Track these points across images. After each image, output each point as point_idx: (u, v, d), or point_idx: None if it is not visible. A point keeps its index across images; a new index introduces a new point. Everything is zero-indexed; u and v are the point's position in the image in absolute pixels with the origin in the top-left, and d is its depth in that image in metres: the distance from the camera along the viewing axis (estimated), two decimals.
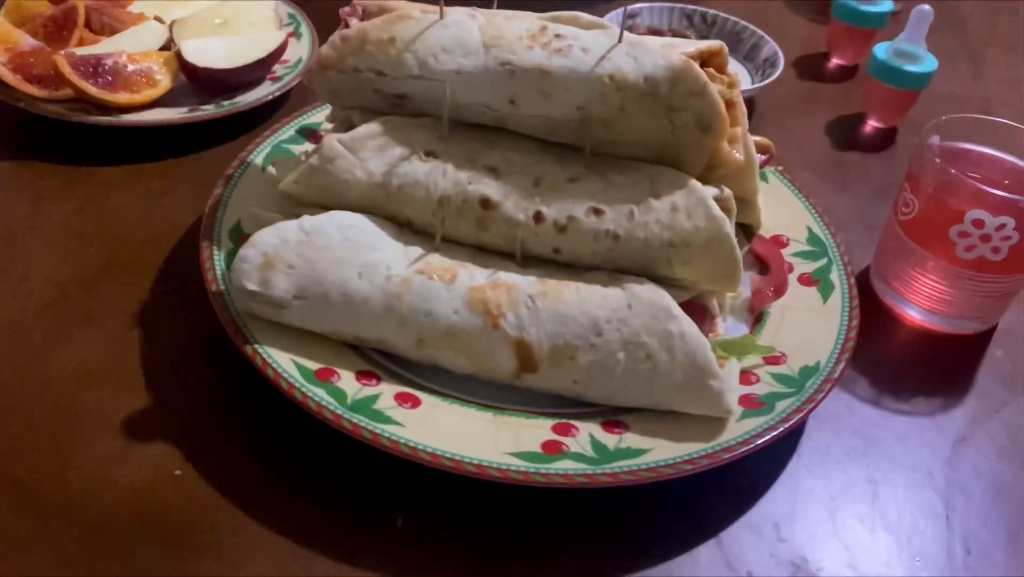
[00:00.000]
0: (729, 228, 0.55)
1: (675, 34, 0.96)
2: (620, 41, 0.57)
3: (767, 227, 0.70)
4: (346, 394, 0.52)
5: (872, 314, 0.69)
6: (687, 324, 0.53)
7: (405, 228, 0.58)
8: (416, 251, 0.57)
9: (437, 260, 0.56)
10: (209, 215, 0.62)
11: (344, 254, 0.55)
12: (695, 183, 0.56)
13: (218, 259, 0.59)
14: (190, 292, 0.62)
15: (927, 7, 0.87)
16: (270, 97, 0.80)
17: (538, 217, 0.56)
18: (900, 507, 0.56)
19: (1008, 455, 0.60)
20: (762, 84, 0.91)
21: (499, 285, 0.55)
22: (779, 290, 0.64)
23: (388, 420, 0.51)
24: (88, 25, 0.82)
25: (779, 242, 0.69)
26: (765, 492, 0.56)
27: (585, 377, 0.54)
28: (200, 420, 0.56)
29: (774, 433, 0.53)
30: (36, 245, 0.67)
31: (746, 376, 0.58)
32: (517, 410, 0.54)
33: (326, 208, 0.58)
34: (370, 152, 0.58)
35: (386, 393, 0.54)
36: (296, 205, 0.60)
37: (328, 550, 0.50)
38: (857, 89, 0.97)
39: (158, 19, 0.83)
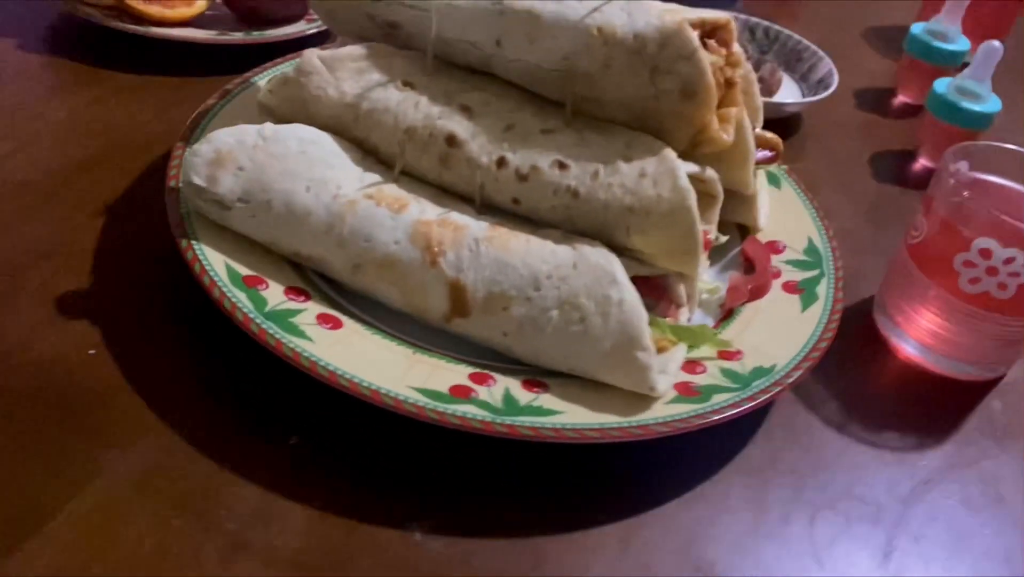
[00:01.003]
0: (692, 202, 0.52)
1: None
2: None
3: (768, 232, 0.66)
4: (266, 302, 0.51)
5: (865, 343, 0.65)
6: (629, 293, 0.50)
7: (370, 156, 0.57)
8: (374, 178, 0.55)
9: (391, 189, 0.55)
10: (194, 120, 0.62)
11: (297, 166, 0.54)
12: (670, 152, 0.53)
13: None
14: (161, 193, 0.62)
15: (996, 43, 0.81)
16: (301, 34, 0.80)
17: (501, 162, 0.54)
18: (836, 535, 0.51)
19: (974, 505, 0.54)
20: (808, 100, 0.87)
21: (448, 224, 0.53)
22: (756, 292, 0.60)
23: (300, 334, 0.50)
24: None
25: (773, 247, 0.65)
26: (690, 490, 0.52)
27: (515, 330, 0.51)
28: (131, 308, 0.56)
29: (700, 422, 0.49)
30: (36, 128, 0.69)
31: (692, 365, 0.54)
32: (440, 353, 0.52)
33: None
34: (348, 73, 0.57)
35: (310, 311, 0.52)
36: (273, 119, 0.59)
37: (213, 452, 0.48)
38: (917, 128, 0.92)
39: None
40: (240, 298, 0.51)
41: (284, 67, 0.70)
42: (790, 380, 0.53)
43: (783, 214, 0.68)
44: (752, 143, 0.59)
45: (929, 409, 0.61)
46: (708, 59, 0.53)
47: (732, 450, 0.54)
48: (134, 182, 0.65)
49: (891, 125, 0.94)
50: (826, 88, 0.89)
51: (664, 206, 0.52)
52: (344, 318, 0.52)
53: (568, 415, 0.49)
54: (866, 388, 0.62)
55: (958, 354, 0.62)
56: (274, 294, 0.52)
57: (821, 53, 0.93)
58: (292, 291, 0.53)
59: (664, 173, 0.52)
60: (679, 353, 0.54)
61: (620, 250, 0.54)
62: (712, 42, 0.55)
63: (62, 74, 0.75)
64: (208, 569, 0.43)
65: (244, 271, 0.53)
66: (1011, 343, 0.62)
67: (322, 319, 0.52)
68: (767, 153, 0.64)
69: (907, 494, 0.54)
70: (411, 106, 0.56)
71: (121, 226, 0.61)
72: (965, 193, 0.58)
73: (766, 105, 0.84)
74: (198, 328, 0.54)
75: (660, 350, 0.53)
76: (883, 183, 0.84)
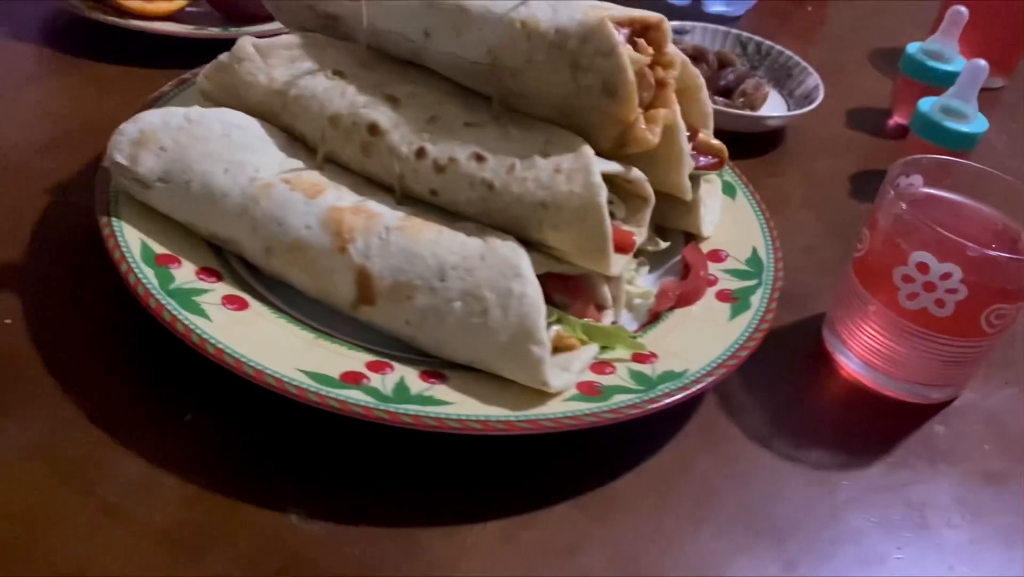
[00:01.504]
0: (602, 199, 0.51)
1: (720, 57, 0.91)
2: None
3: (714, 240, 0.65)
4: (173, 280, 0.52)
5: (812, 359, 0.63)
6: (532, 287, 0.49)
7: (298, 143, 0.57)
8: (296, 164, 0.56)
9: (311, 176, 0.55)
10: (144, 105, 0.63)
11: (218, 148, 0.54)
12: (587, 149, 0.53)
13: None
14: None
15: (982, 62, 0.79)
16: (279, 31, 0.81)
17: (420, 153, 0.54)
18: (738, 550, 0.49)
19: (892, 528, 0.52)
20: (788, 114, 0.85)
21: (361, 211, 0.53)
22: (684, 298, 0.59)
23: (200, 313, 0.50)
24: None
25: (716, 256, 0.63)
26: (586, 492, 0.50)
27: (419, 320, 0.51)
28: (56, 282, 0.57)
29: (592, 420, 0.48)
30: (2, 108, 0.71)
31: (603, 366, 0.53)
32: (345, 340, 0.52)
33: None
34: (280, 60, 0.58)
35: (217, 291, 0.52)
36: (212, 105, 0.60)
37: (109, 423, 0.49)
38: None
39: None
40: (147, 274, 0.51)
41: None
42: (699, 386, 0.51)
43: (733, 224, 0.66)
44: (685, 146, 0.58)
45: (866, 429, 0.59)
46: (632, 57, 0.52)
47: (639, 455, 0.53)
48: (86, 165, 0.66)
49: (879, 145, 0.91)
50: (811, 103, 0.87)
51: (575, 201, 0.51)
52: (252, 301, 0.53)
53: (458, 406, 0.48)
54: (802, 404, 0.60)
55: (900, 373, 0.60)
56: (185, 273, 0.53)
57: (810, 69, 0.91)
58: (205, 271, 0.54)
59: (578, 169, 0.52)
60: (587, 353, 0.53)
61: (536, 246, 0.54)
62: (641, 41, 0.55)
63: (41, 62, 0.77)
64: (72, 533, 0.43)
65: (159, 249, 0.54)
66: (956, 364, 0.59)
67: (228, 300, 0.52)
68: (710, 159, 0.62)
69: (824, 513, 0.52)
70: (337, 94, 0.56)
71: (64, 204, 0.62)
72: (903, 205, 0.56)
73: (747, 119, 0.83)
74: (117, 305, 0.55)
75: (567, 348, 0.53)
76: (861, 202, 0.82)
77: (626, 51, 0.52)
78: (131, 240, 0.53)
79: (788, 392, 0.60)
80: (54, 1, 0.80)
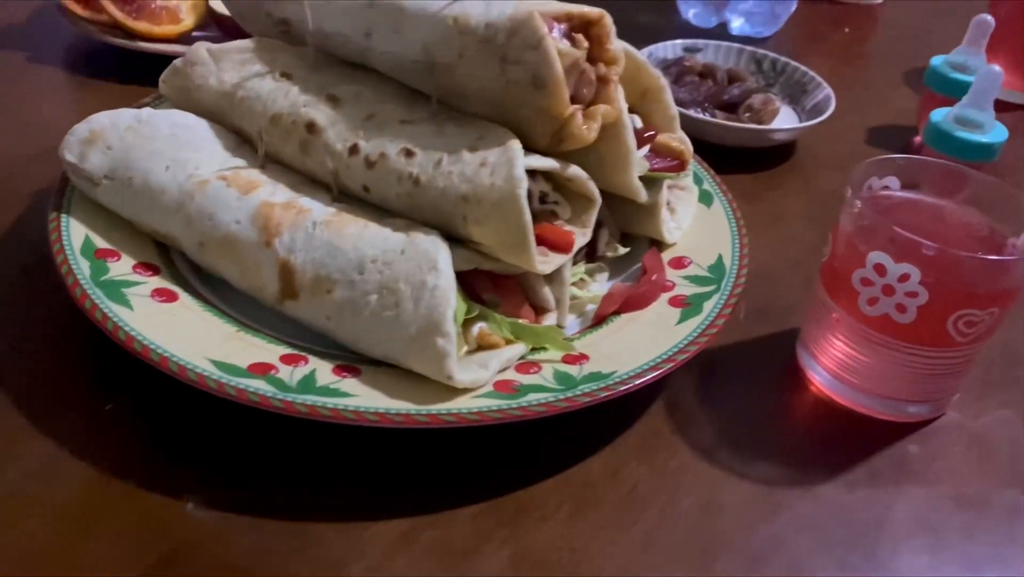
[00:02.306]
0: (522, 192, 0.49)
1: (731, 74, 0.89)
2: None
3: (682, 247, 0.62)
4: (107, 271, 0.53)
5: (782, 374, 0.59)
6: (445, 280, 0.48)
7: (246, 144, 0.58)
8: (238, 163, 0.56)
9: (249, 173, 0.55)
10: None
11: (163, 147, 0.56)
12: (515, 144, 0.51)
13: None
14: None
15: (997, 68, 0.74)
16: None
17: (353, 149, 0.54)
18: (638, 564, 0.46)
19: (832, 550, 0.48)
20: (788, 128, 0.82)
21: (292, 207, 0.53)
22: (633, 302, 0.56)
23: (124, 303, 0.51)
24: None
25: (679, 262, 0.61)
26: (501, 495, 0.48)
27: (337, 314, 0.50)
28: (11, 271, 0.59)
29: (496, 417, 0.46)
30: (5, 120, 0.74)
31: (529, 366, 0.51)
32: (267, 333, 0.52)
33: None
34: (231, 64, 0.59)
35: (149, 284, 0.53)
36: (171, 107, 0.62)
37: (31, 408, 0.50)
38: None
39: None
40: (82, 266, 0.52)
41: None
42: (622, 388, 0.49)
43: (704, 232, 0.64)
44: (632, 145, 0.56)
45: (828, 445, 0.55)
46: (561, 50, 0.51)
47: (565, 461, 0.50)
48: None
49: None
50: (820, 114, 0.83)
51: (495, 195, 0.50)
52: (184, 294, 0.53)
53: (361, 399, 0.47)
54: (760, 417, 0.56)
55: (870, 387, 0.56)
56: (121, 267, 0.54)
57: (823, 83, 0.88)
58: (142, 266, 0.54)
59: (502, 163, 0.51)
60: (510, 352, 0.51)
61: (464, 242, 0.52)
62: (579, 36, 0.53)
63: (53, 80, 0.82)
64: None
65: (101, 244, 0.55)
66: (930, 377, 0.54)
67: (158, 293, 0.53)
68: (668, 161, 0.60)
69: (761, 531, 0.48)
70: (281, 95, 0.57)
71: (40, 208, 0.64)
72: (858, 204, 0.52)
73: (755, 133, 0.80)
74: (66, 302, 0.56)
75: (491, 346, 0.51)
76: None
77: (553, 44, 0.50)
78: (75, 234, 0.55)
79: (747, 406, 0.57)
80: (68, 25, 0.84)
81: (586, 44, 0.53)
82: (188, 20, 0.84)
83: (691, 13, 1.09)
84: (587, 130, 0.53)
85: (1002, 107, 0.97)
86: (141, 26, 0.82)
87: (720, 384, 0.58)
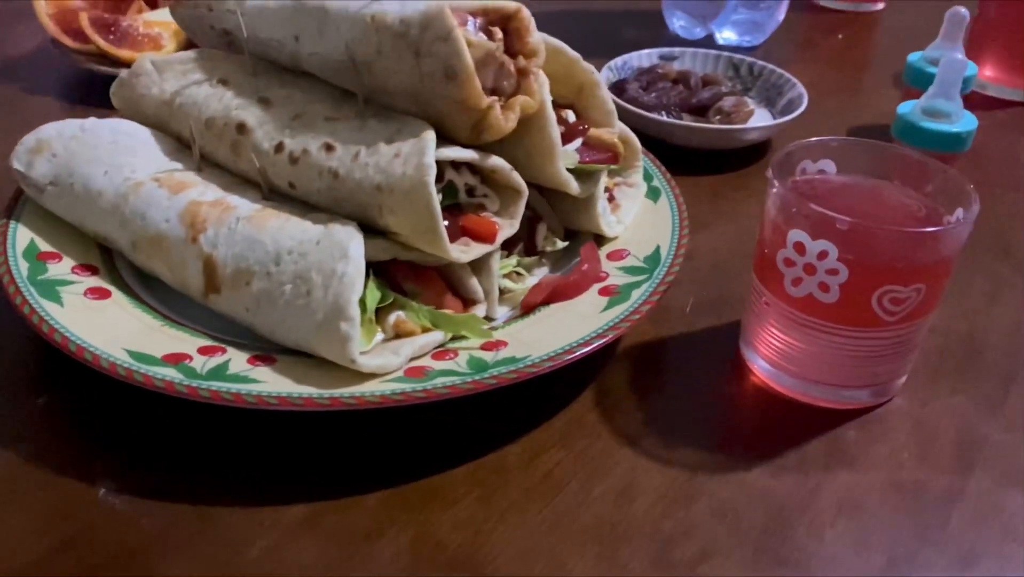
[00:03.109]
0: (430, 178, 0.50)
1: (705, 80, 0.88)
2: None
3: (623, 241, 0.62)
4: (45, 271, 0.55)
5: (725, 365, 0.58)
6: (354, 267, 0.49)
7: (186, 149, 0.60)
8: (174, 165, 0.58)
9: (183, 175, 0.57)
10: None
11: (103, 153, 0.58)
12: (429, 134, 0.52)
13: None
14: None
15: (959, 56, 0.73)
16: None
17: (279, 147, 0.55)
18: (544, 548, 0.45)
19: (747, 535, 0.46)
20: (760, 127, 0.81)
21: (219, 204, 0.54)
22: (562, 292, 0.56)
23: (55, 299, 0.52)
24: (152, 1, 0.95)
25: (618, 255, 0.60)
26: (411, 481, 0.48)
27: (254, 305, 0.51)
28: None
29: (400, 399, 0.46)
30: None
31: (444, 353, 0.51)
32: (190, 327, 0.53)
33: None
34: (173, 74, 0.61)
35: (83, 283, 0.55)
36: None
37: None
38: None
39: None
40: (20, 267, 0.54)
41: None
42: (530, 372, 0.49)
43: (647, 226, 0.63)
44: (555, 136, 0.56)
45: (760, 432, 0.53)
46: (473, 41, 0.52)
47: (479, 449, 0.50)
48: None
49: None
50: (793, 111, 0.82)
51: (406, 183, 0.51)
52: (117, 292, 0.55)
53: (267, 385, 0.47)
54: (695, 407, 0.55)
55: (806, 373, 0.54)
56: (61, 268, 0.56)
57: (797, 83, 0.87)
58: (82, 267, 0.56)
59: (414, 152, 0.51)
60: (425, 339, 0.51)
61: (385, 233, 0.53)
62: (495, 29, 0.54)
63: (44, 108, 0.85)
64: None
65: (44, 247, 0.57)
66: (866, 360, 0.53)
67: (91, 292, 0.54)
68: (599, 154, 0.60)
69: (678, 516, 0.47)
70: (216, 100, 0.59)
71: None
72: (776, 183, 0.52)
73: (729, 133, 0.80)
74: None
75: (407, 334, 0.51)
76: None
77: (463, 35, 0.51)
78: (20, 238, 0.57)
79: (682, 395, 0.56)
80: (61, 59, 0.88)
81: (500, 36, 0.54)
82: (169, 45, 0.87)
83: (677, 25, 1.09)
84: (505, 120, 0.53)
85: (995, 104, 0.96)
86: (125, 53, 0.85)
87: (656, 374, 0.57)
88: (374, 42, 0.54)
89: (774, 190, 0.52)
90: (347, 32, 0.55)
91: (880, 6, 1.22)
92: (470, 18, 0.53)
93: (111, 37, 0.86)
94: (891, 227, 0.49)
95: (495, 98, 0.54)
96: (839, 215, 0.48)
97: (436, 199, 0.50)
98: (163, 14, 0.91)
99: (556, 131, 0.56)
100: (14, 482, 0.47)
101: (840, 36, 1.13)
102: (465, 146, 0.54)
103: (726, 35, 1.07)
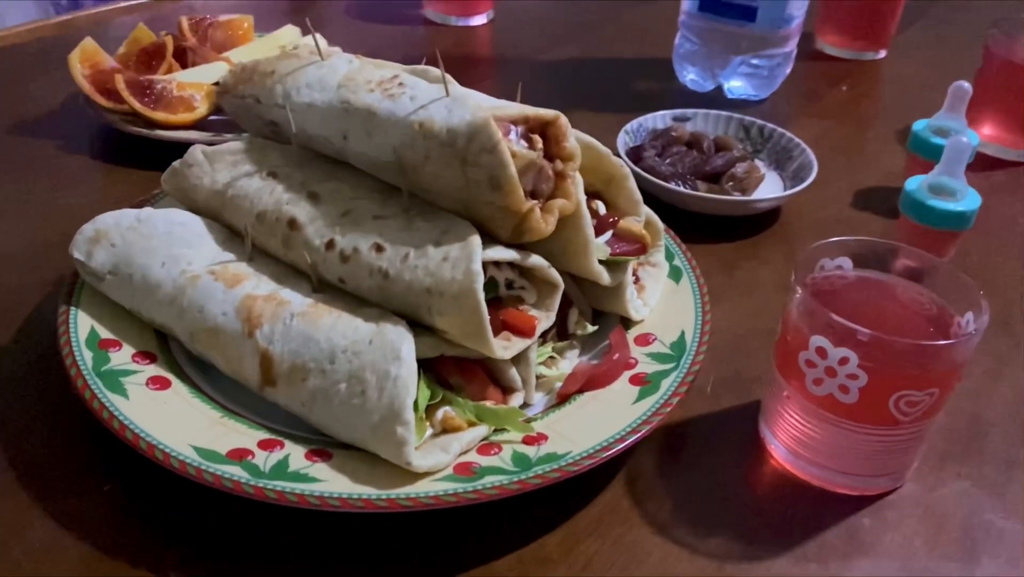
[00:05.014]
0: (478, 285, 0.53)
1: (718, 143, 0.92)
2: (447, 95, 0.58)
3: (648, 324, 0.66)
4: (108, 361, 0.58)
5: (746, 447, 0.62)
6: (407, 370, 0.52)
7: (237, 238, 0.63)
8: (228, 256, 0.61)
9: (237, 267, 0.60)
10: (137, 204, 0.71)
11: (159, 244, 0.61)
12: (475, 238, 0.55)
13: None
14: None
15: (963, 139, 0.76)
16: None
17: (330, 244, 0.59)
18: None
19: None
20: (772, 198, 0.85)
21: (273, 298, 0.58)
22: (596, 381, 0.59)
23: (121, 391, 0.56)
24: (182, 60, 0.98)
25: (645, 339, 0.64)
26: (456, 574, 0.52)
27: (310, 401, 0.54)
28: (23, 361, 0.64)
29: (453, 501, 0.50)
30: (41, 212, 0.81)
31: (490, 447, 0.55)
32: (248, 419, 0.56)
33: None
34: (224, 164, 0.64)
35: (145, 373, 0.58)
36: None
37: (35, 492, 0.55)
38: None
39: (227, 60, 0.97)
40: (85, 356, 0.58)
41: None
42: (574, 469, 0.52)
43: (671, 308, 0.67)
44: (589, 234, 0.59)
45: (784, 518, 0.57)
46: (518, 152, 0.55)
47: (524, 538, 0.54)
48: None
49: (877, 226, 0.88)
50: (801, 181, 0.86)
51: (455, 288, 0.54)
52: (176, 381, 0.58)
53: (327, 484, 0.51)
54: (718, 490, 0.59)
55: (824, 461, 0.58)
56: (122, 356, 0.59)
57: (807, 149, 0.90)
58: (141, 355, 0.59)
59: (462, 257, 0.55)
60: (471, 435, 0.54)
61: (431, 330, 0.56)
62: (535, 136, 0.57)
63: (80, 169, 0.88)
64: None
65: (105, 334, 0.60)
66: (882, 454, 0.57)
67: (153, 381, 0.57)
68: (632, 245, 0.64)
69: None
70: (267, 193, 0.62)
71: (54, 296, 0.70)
72: (799, 289, 0.55)
73: (734, 204, 0.84)
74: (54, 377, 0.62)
75: (454, 429, 0.55)
76: None
77: (507, 147, 0.55)
78: (82, 325, 0.60)
79: (707, 478, 0.59)
80: (94, 116, 0.90)
81: (541, 144, 0.57)
82: (202, 107, 0.90)
83: (688, 78, 1.13)
84: (545, 224, 0.57)
85: (995, 164, 0.99)
86: (159, 115, 0.88)
87: (682, 457, 0.61)
88: (422, 148, 0.57)
89: (797, 296, 0.56)
90: (395, 137, 0.58)
91: (882, 54, 1.26)
92: (512, 127, 0.57)
93: (146, 99, 0.88)
94: (909, 341, 0.53)
95: (535, 202, 0.57)
96: (860, 328, 0.52)
97: (484, 305, 0.53)
98: (195, 74, 0.94)
99: (591, 230, 0.60)
100: (87, 573, 0.50)
101: (844, 87, 1.17)
102: (506, 244, 0.58)
103: (735, 85, 1.11)
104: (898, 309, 0.59)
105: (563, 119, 0.58)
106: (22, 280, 0.72)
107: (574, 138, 0.59)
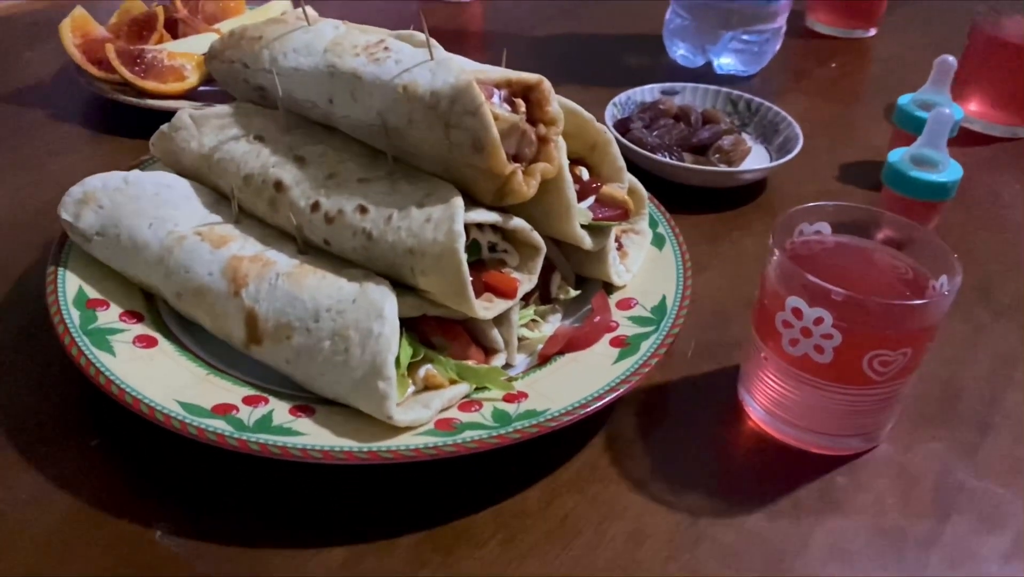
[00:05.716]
0: (460, 245, 0.54)
1: (706, 116, 0.93)
2: (431, 59, 0.59)
3: (631, 289, 0.67)
4: (95, 320, 0.59)
5: (725, 409, 0.63)
6: (389, 328, 0.53)
7: (223, 201, 0.64)
8: (215, 219, 0.62)
9: (223, 229, 0.61)
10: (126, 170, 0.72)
11: (147, 206, 0.62)
12: (458, 200, 0.56)
13: None
14: None
15: (946, 111, 0.77)
16: None
17: (315, 206, 0.59)
18: None
19: (740, 568, 0.51)
20: (757, 168, 0.85)
21: (259, 259, 0.58)
22: (576, 342, 0.60)
23: (107, 349, 0.56)
24: (173, 31, 0.98)
25: (626, 304, 0.65)
26: (431, 527, 0.53)
27: (294, 358, 0.55)
28: (15, 319, 0.65)
29: (433, 453, 0.51)
30: (32, 179, 0.82)
31: (471, 404, 0.56)
32: (234, 376, 0.57)
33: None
34: (211, 128, 0.65)
35: (131, 332, 0.59)
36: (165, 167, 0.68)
37: (21, 443, 0.56)
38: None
39: (218, 32, 0.97)
40: (73, 315, 0.58)
41: None
42: (552, 424, 0.53)
43: (653, 274, 0.68)
44: (572, 198, 0.60)
45: (760, 477, 0.58)
46: (499, 115, 0.56)
47: (501, 493, 0.55)
48: None
49: (860, 199, 0.89)
50: (787, 152, 0.87)
51: (436, 248, 0.55)
52: (163, 340, 0.59)
53: (310, 437, 0.52)
54: (695, 450, 0.60)
55: (800, 422, 0.59)
56: (109, 315, 0.60)
57: (793, 123, 0.91)
58: (128, 314, 0.60)
59: (445, 219, 0.55)
60: (453, 392, 0.55)
61: (414, 290, 0.57)
62: (518, 100, 0.58)
63: (70, 138, 0.89)
64: None
65: (92, 294, 0.61)
66: (856, 414, 0.58)
67: (139, 339, 0.58)
68: (614, 211, 0.64)
69: (683, 559, 0.52)
70: (253, 156, 0.62)
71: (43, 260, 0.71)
72: (776, 251, 0.56)
73: (720, 174, 0.84)
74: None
75: (436, 387, 0.56)
76: None
77: (490, 109, 0.55)
78: (70, 286, 0.61)
79: (685, 439, 0.60)
80: (85, 85, 0.91)
81: (523, 108, 0.58)
82: (193, 77, 0.90)
83: (678, 54, 1.13)
84: (527, 187, 0.57)
85: (981, 140, 1.00)
86: (149, 84, 0.89)
87: (661, 418, 0.62)
88: (406, 111, 0.58)
89: (775, 258, 0.57)
90: (380, 100, 0.59)
91: (872, 32, 1.26)
92: (495, 90, 0.57)
93: (136, 69, 0.89)
94: (882, 300, 0.54)
95: (517, 165, 0.58)
96: (834, 287, 0.53)
97: (465, 265, 0.54)
98: (185, 45, 0.94)
99: (573, 194, 0.60)
100: (72, 524, 0.51)
101: (833, 65, 1.18)
102: (488, 207, 0.58)
103: (724, 62, 1.11)
104: (875, 273, 0.60)
105: (546, 83, 0.59)
106: (12, 245, 0.73)
107: (557, 103, 0.59)
